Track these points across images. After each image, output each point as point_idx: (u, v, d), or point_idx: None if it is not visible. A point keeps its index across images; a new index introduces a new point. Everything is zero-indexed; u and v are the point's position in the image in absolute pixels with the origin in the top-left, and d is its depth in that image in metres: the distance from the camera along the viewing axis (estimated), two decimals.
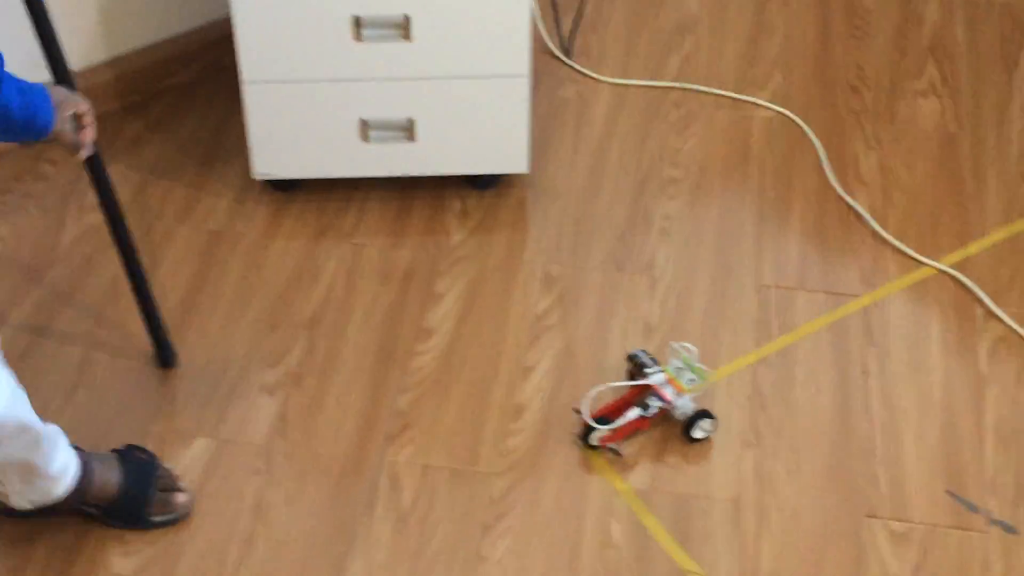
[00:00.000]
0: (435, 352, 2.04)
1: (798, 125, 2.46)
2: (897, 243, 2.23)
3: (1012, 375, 2.02)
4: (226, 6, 2.14)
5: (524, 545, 1.79)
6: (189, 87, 2.52)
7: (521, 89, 2.17)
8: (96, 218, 2.23)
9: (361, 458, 1.89)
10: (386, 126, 2.20)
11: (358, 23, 2.08)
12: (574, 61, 2.60)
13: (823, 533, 1.81)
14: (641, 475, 1.88)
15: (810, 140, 2.43)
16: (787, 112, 2.49)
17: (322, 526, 1.80)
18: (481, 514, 1.83)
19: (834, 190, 2.33)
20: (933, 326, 2.10)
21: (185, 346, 2.04)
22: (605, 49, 2.63)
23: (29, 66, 2.31)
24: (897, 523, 1.82)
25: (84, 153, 1.54)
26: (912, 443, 1.93)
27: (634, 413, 1.91)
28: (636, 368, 1.98)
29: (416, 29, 2.09)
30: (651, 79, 2.56)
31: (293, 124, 2.18)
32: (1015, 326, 2.09)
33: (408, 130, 2.20)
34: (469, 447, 1.91)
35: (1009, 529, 1.82)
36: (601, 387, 1.98)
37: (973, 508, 1.84)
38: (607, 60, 2.61)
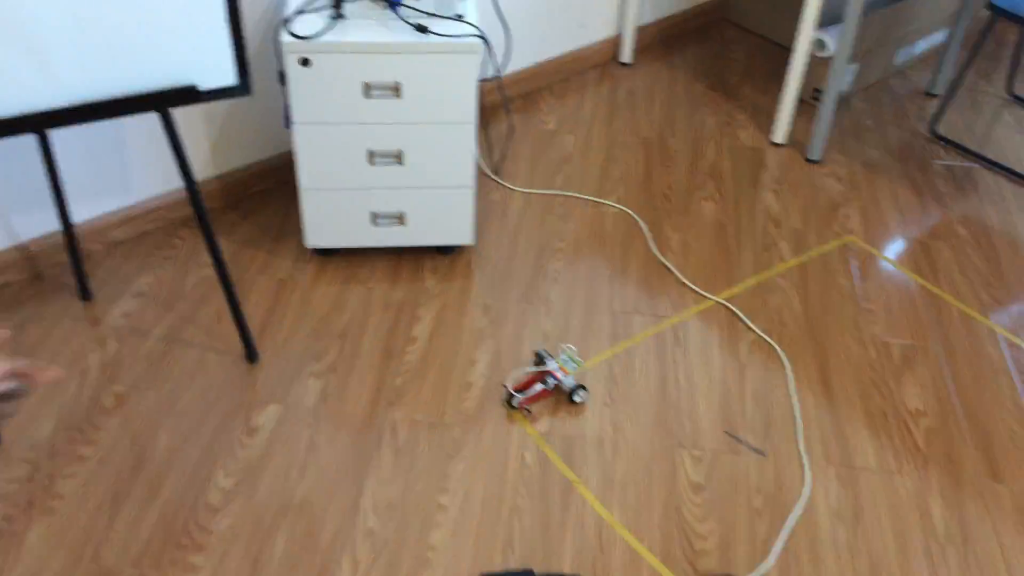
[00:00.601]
0: (418, 353, 2.04)
1: (633, 217, 2.49)
2: (692, 286, 2.26)
3: (760, 364, 2.06)
4: (290, 142, 2.14)
5: (473, 467, 1.79)
6: (267, 192, 2.51)
7: (469, 194, 2.19)
8: (207, 272, 2.22)
9: (373, 416, 1.88)
10: (387, 216, 2.20)
11: (371, 154, 2.09)
12: (500, 178, 2.62)
13: (651, 457, 1.83)
14: (543, 424, 1.89)
15: (640, 226, 2.46)
16: (627, 209, 2.52)
17: (349, 456, 1.79)
18: (447, 448, 1.82)
19: (655, 256, 2.36)
20: (714, 334, 2.13)
21: (264, 349, 2.02)
22: (517, 171, 2.66)
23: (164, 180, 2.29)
24: (695, 451, 1.84)
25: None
26: (703, 403, 1.95)
27: (539, 387, 1.92)
28: (539, 360, 1.99)
29: (406, 158, 2.10)
30: (545, 189, 2.59)
31: (331, 214, 2.18)
32: (761, 335, 2.14)
33: (400, 218, 2.21)
34: (439, 408, 1.91)
35: (760, 453, 1.85)
36: (518, 372, 1.99)
37: (739, 440, 1.87)
38: (519, 177, 2.63)
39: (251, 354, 1.99)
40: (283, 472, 1.75)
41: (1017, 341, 2.16)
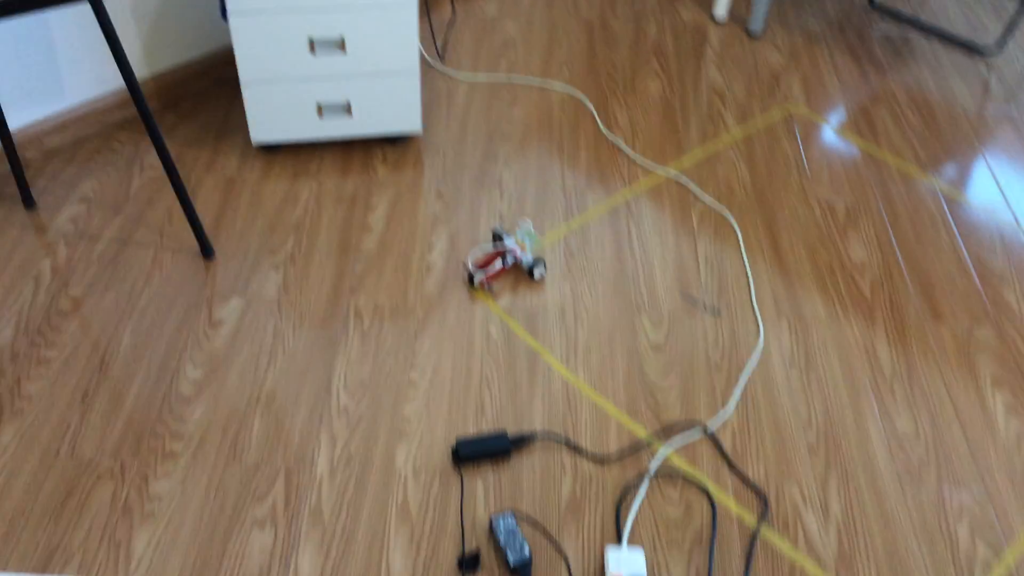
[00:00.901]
0: (375, 240, 2.05)
1: (579, 98, 2.50)
2: (642, 161, 2.30)
3: (711, 231, 2.11)
4: (227, 36, 2.09)
5: (439, 344, 1.83)
6: (205, 91, 2.45)
7: (414, 79, 2.17)
8: (152, 174, 2.18)
9: (336, 303, 1.90)
10: (333, 107, 2.18)
11: (312, 42, 2.05)
12: (444, 67, 2.60)
13: (612, 323, 1.89)
14: (505, 300, 1.93)
15: (587, 107, 2.47)
16: (573, 90, 2.53)
17: (315, 342, 1.81)
18: (412, 328, 1.86)
19: (603, 134, 2.38)
20: (666, 206, 2.17)
21: (219, 245, 2.01)
22: (461, 59, 2.63)
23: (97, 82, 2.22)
24: (654, 314, 1.91)
25: None
26: (659, 271, 2.01)
27: (499, 264, 1.95)
28: (497, 238, 2.02)
29: (349, 45, 2.07)
30: (490, 75, 2.57)
31: (275, 107, 2.15)
32: (710, 203, 2.19)
33: (347, 108, 2.19)
34: (401, 291, 1.93)
35: (716, 312, 1.92)
36: (477, 251, 2.02)
37: (695, 301, 1.94)
38: (463, 65, 2.61)
39: (207, 250, 1.97)
40: (252, 360, 1.77)
41: (954, 195, 2.24)
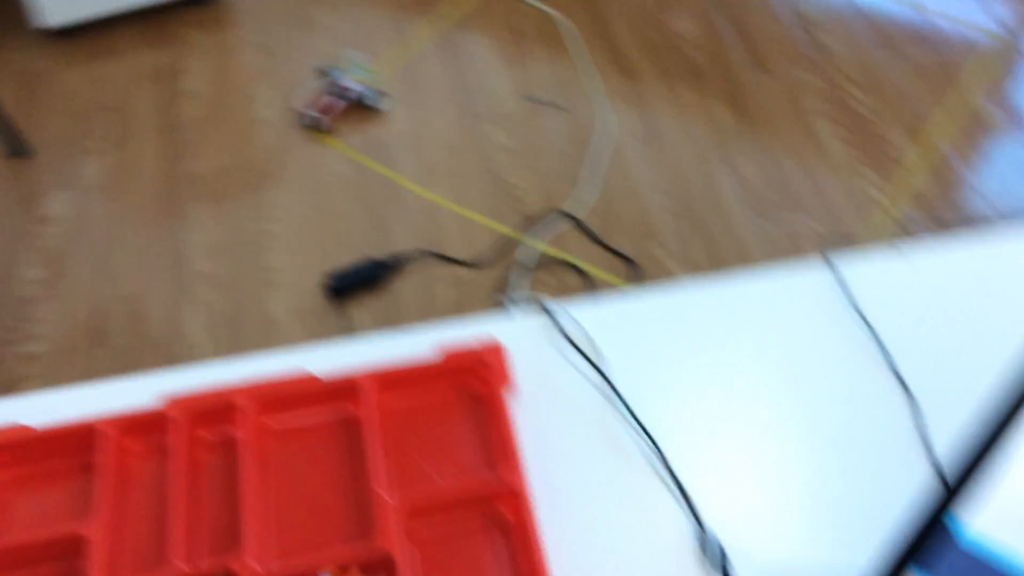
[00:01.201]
0: (202, 104, 1.94)
1: None
2: None
3: (543, 33, 2.09)
4: None
5: (291, 191, 1.78)
6: None
7: None
8: None
9: (174, 173, 1.80)
10: None
11: None
12: None
13: (460, 138, 1.87)
14: (353, 137, 1.87)
15: None
16: None
17: (159, 214, 1.73)
18: (261, 182, 1.79)
19: None
20: (496, 16, 2.12)
21: (33, 142, 1.86)
22: None
23: None
24: (501, 120, 1.89)
25: None
26: (498, 80, 1.98)
27: (340, 103, 1.89)
28: (324, 75, 1.93)
29: None
30: None
31: None
32: (537, 5, 2.15)
33: None
34: (241, 149, 1.85)
35: (562, 108, 1.92)
36: (309, 94, 1.93)
37: (540, 102, 1.93)
38: None
39: (20, 149, 1.83)
40: (95, 247, 1.68)
41: None
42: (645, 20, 2.11)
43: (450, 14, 2.13)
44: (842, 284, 0.72)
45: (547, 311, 0.70)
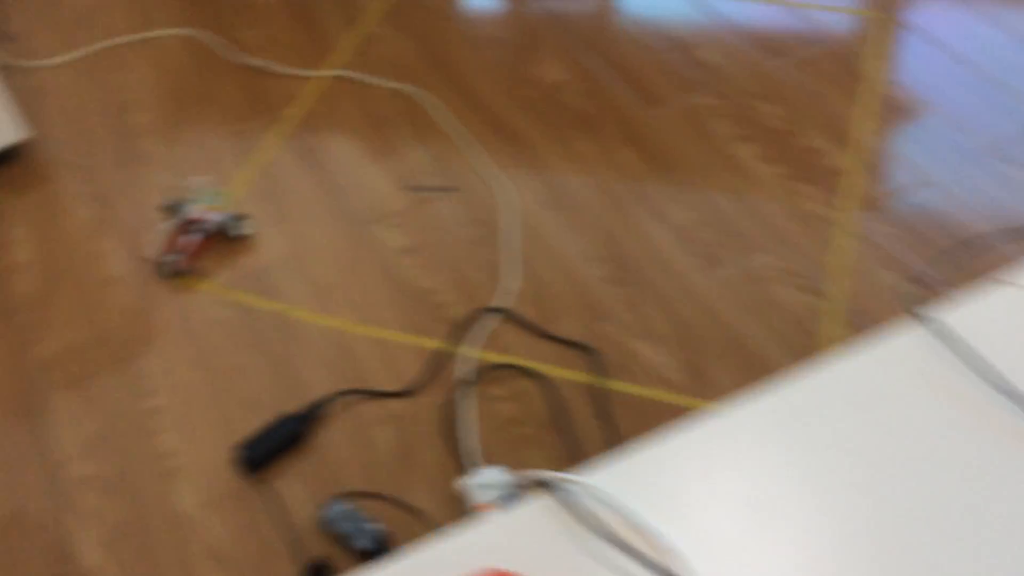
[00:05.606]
0: (33, 278, 1.67)
1: (194, 36, 2.19)
2: (296, 72, 2.05)
3: (404, 111, 1.94)
4: None
5: (166, 356, 1.53)
6: None
7: None
8: None
9: (17, 368, 1.52)
10: None
11: None
12: (21, 61, 2.16)
13: (349, 247, 1.68)
14: (225, 274, 1.65)
15: (206, 40, 2.17)
16: (184, 31, 2.20)
17: (12, 424, 1.44)
18: (128, 352, 1.53)
19: (238, 62, 2.09)
20: (345, 106, 1.96)
21: None
22: (36, 47, 2.20)
23: None
24: (389, 218, 1.71)
25: None
26: (370, 176, 1.80)
27: (197, 238, 1.66)
28: (172, 211, 1.71)
29: None
30: (80, 49, 2.17)
31: None
32: (390, 86, 2.00)
33: None
34: (92, 320, 1.59)
35: (452, 189, 1.76)
36: (162, 236, 1.70)
37: (425, 189, 1.76)
38: (40, 52, 2.18)
39: None
40: None
41: None
42: (511, 77, 1.98)
43: (293, 115, 1.94)
44: (947, 339, 0.57)
45: (549, 486, 0.51)
